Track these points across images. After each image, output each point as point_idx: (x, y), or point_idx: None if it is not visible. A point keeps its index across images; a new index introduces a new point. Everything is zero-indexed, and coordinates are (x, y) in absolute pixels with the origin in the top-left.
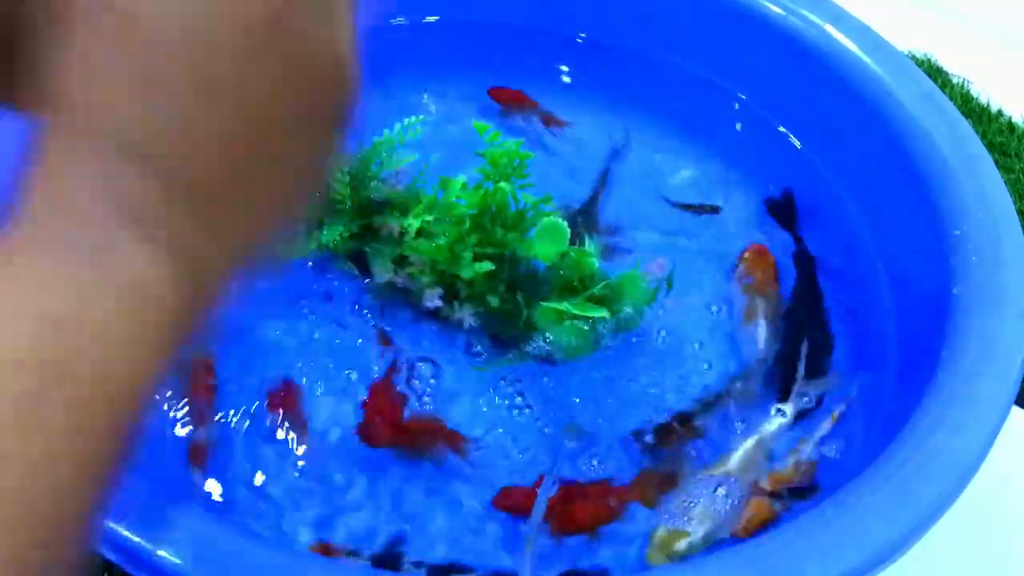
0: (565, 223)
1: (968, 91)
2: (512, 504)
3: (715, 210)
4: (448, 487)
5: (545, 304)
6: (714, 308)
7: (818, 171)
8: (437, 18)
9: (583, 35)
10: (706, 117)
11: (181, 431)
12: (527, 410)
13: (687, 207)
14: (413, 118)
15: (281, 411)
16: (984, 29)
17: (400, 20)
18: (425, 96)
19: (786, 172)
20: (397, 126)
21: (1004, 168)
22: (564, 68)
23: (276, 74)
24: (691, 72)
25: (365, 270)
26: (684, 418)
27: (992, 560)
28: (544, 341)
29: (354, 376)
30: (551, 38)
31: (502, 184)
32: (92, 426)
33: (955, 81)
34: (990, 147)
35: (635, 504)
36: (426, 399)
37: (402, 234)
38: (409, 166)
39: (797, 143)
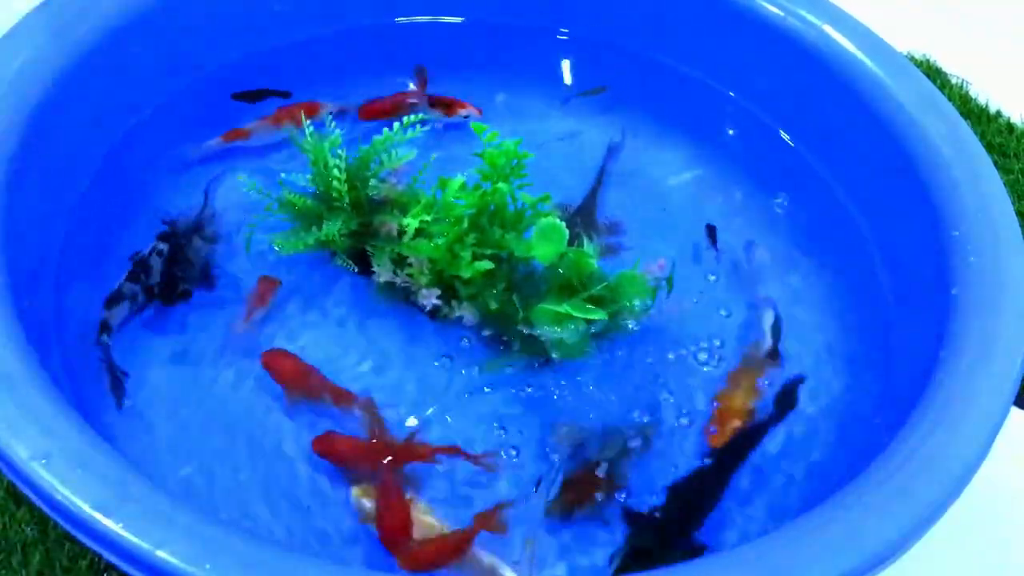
0: (563, 224)
1: (967, 92)
2: (331, 451)
3: None
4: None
5: (543, 305)
6: (723, 311)
7: (817, 173)
8: (434, 19)
9: (565, 31)
10: (705, 119)
11: None
12: (523, 409)
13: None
14: (412, 117)
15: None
16: (984, 29)
17: (419, 19)
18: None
19: (785, 174)
20: (396, 125)
21: (1003, 169)
22: (564, 68)
23: None
24: (689, 74)
25: (366, 268)
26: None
27: (992, 560)
28: (542, 342)
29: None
30: (551, 38)
31: (500, 184)
32: None
33: (954, 82)
34: (989, 148)
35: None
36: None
37: (401, 233)
38: (408, 165)
39: (796, 145)
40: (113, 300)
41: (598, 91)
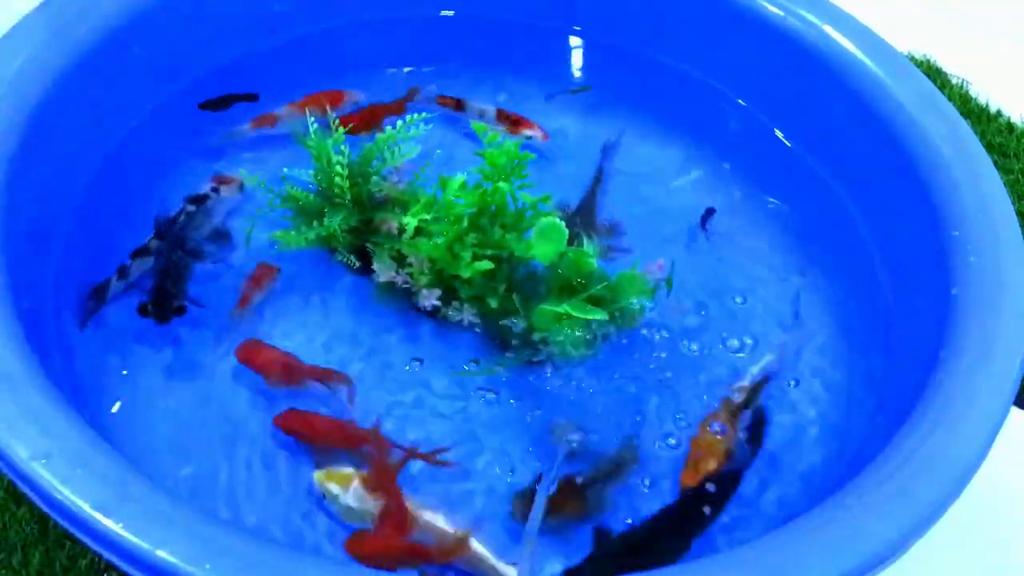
0: (563, 223)
1: (967, 92)
2: (292, 428)
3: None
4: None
5: (544, 306)
6: (715, 319)
7: (817, 173)
8: (451, 13)
9: (578, 28)
10: (705, 119)
11: None
12: (523, 408)
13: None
14: (415, 115)
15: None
16: (984, 29)
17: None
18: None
19: (784, 173)
20: (399, 123)
21: (1003, 169)
22: (564, 68)
23: None
24: (689, 74)
25: (366, 266)
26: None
27: (992, 560)
28: (542, 342)
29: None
30: (551, 37)
31: (501, 184)
32: None
33: (954, 82)
34: (989, 148)
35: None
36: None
37: (401, 231)
38: (410, 163)
39: (796, 145)
40: (138, 253)
41: (582, 90)
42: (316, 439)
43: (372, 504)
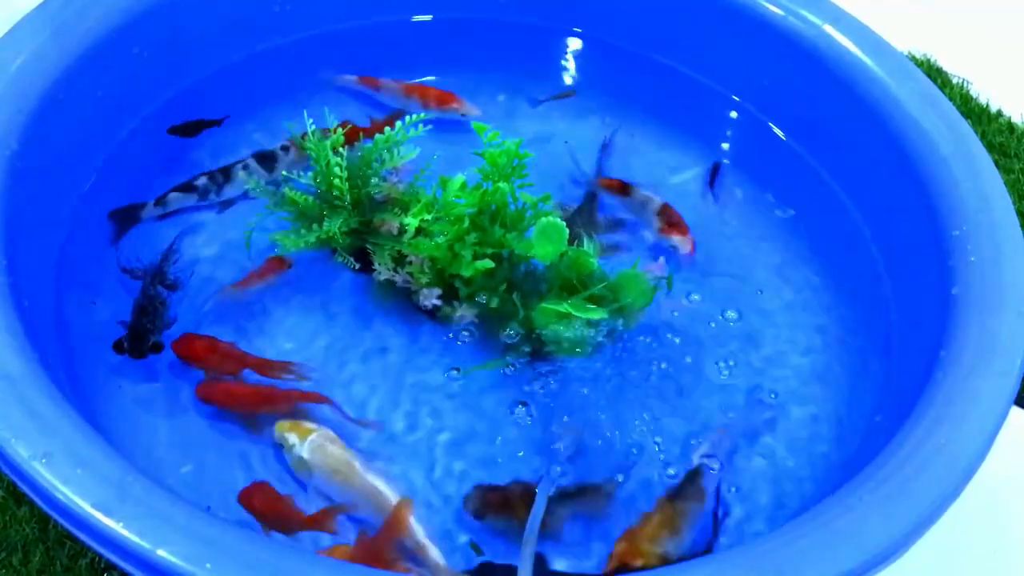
0: (564, 223)
1: (968, 91)
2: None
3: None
4: None
5: (544, 305)
6: (716, 318)
7: (816, 172)
8: (431, 17)
9: (578, 29)
10: (705, 119)
11: None
12: (524, 408)
13: None
14: (414, 116)
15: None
16: (984, 29)
17: (424, 17)
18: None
19: (784, 173)
20: (398, 124)
21: (1004, 168)
22: (563, 68)
23: None
24: (689, 74)
25: (366, 266)
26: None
27: (992, 559)
28: (542, 341)
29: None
30: (550, 36)
31: (501, 184)
32: None
33: (955, 81)
34: (990, 147)
35: None
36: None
37: (402, 232)
38: (410, 164)
39: (795, 144)
40: (180, 189)
41: (566, 95)
42: (238, 406)
43: (322, 460)
